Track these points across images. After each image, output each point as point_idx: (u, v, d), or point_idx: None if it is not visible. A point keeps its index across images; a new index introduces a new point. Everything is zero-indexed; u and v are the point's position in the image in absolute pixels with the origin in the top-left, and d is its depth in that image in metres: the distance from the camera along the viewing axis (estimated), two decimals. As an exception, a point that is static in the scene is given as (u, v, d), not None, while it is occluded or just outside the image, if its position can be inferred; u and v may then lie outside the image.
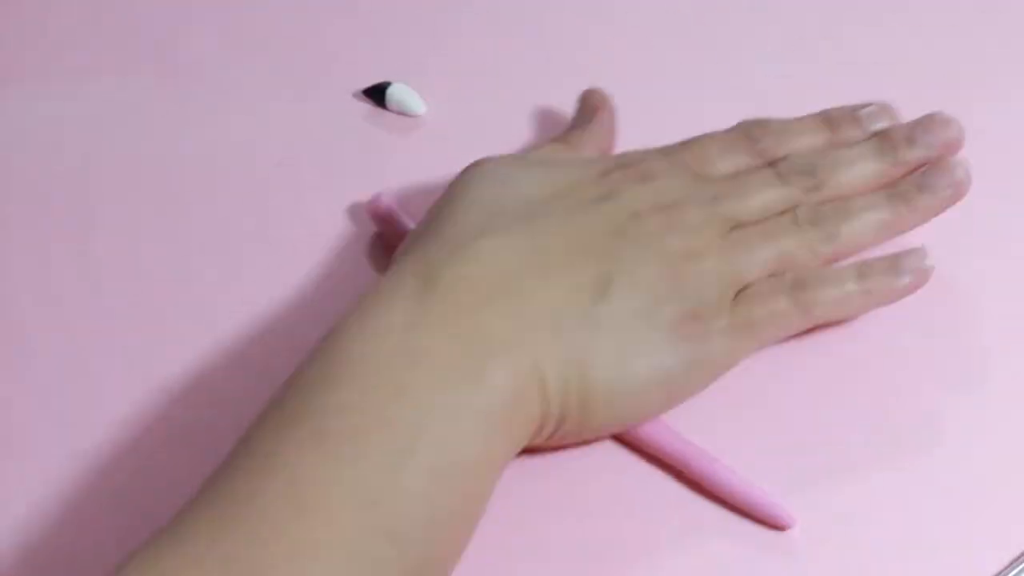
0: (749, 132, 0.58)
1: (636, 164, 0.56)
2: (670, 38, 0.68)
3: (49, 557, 0.54)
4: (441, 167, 0.63)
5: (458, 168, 0.63)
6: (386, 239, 0.61)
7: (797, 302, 0.54)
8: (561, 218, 0.54)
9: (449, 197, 0.56)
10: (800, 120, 0.59)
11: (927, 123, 0.57)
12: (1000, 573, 0.52)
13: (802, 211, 0.56)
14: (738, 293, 0.54)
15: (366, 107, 0.66)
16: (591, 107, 0.62)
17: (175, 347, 0.59)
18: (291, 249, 0.61)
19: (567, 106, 0.65)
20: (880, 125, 0.58)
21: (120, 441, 0.56)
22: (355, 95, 0.67)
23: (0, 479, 0.56)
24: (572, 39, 0.68)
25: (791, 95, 0.64)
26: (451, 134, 0.65)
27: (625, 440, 0.55)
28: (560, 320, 0.51)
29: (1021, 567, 0.52)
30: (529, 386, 0.50)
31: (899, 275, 0.55)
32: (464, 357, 0.49)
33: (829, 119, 0.59)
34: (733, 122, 0.62)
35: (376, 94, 0.66)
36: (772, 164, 0.57)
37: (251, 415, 0.57)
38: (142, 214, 0.63)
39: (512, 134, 0.65)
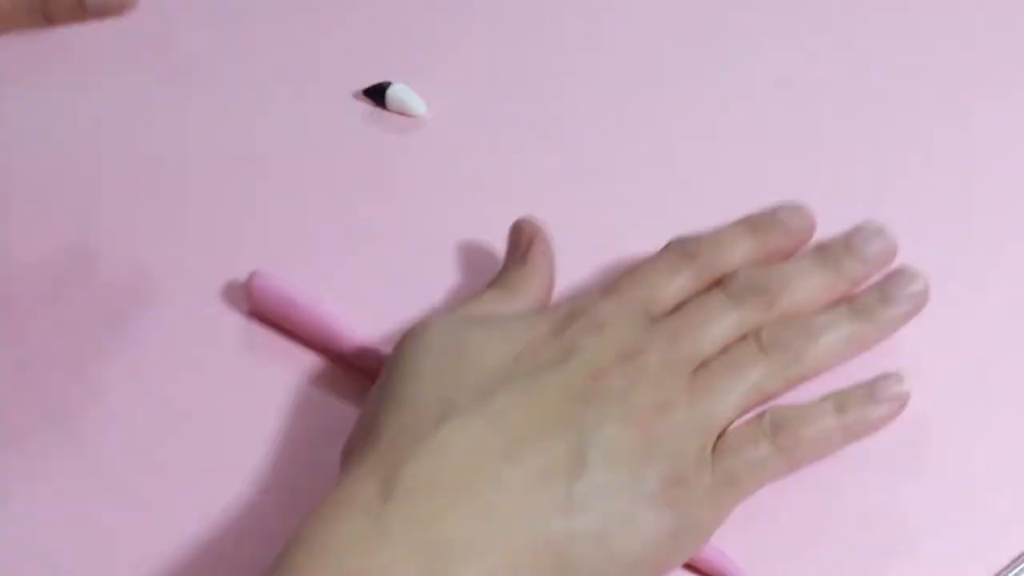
0: (684, 249, 0.56)
1: (586, 313, 0.53)
2: (670, 38, 0.68)
3: (53, 561, 0.54)
4: (441, 167, 0.64)
5: (458, 168, 0.63)
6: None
7: (779, 447, 0.52)
8: (521, 390, 0.50)
9: (398, 372, 0.52)
10: (727, 229, 0.57)
11: (862, 233, 0.56)
12: (1000, 573, 0.52)
13: (764, 335, 0.54)
14: (716, 440, 0.52)
15: (366, 107, 0.66)
16: (525, 240, 0.58)
17: (175, 347, 0.59)
18: (291, 249, 0.61)
19: (567, 106, 0.65)
20: (796, 224, 0.57)
21: (120, 441, 0.56)
22: (355, 95, 0.67)
23: None
24: (572, 39, 0.68)
25: (791, 95, 0.64)
26: (451, 134, 0.65)
27: None
28: (535, 511, 0.48)
29: (1021, 567, 0.52)
30: None
31: (877, 404, 0.53)
32: (431, 571, 0.46)
33: (752, 225, 0.57)
34: (733, 123, 0.62)
35: (376, 94, 0.66)
36: (719, 284, 0.55)
37: (256, 412, 0.57)
38: (142, 214, 0.63)
39: (512, 134, 0.65)
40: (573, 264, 0.60)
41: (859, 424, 0.53)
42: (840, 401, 0.53)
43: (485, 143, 0.64)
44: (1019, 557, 0.53)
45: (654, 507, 0.49)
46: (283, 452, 0.55)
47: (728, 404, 0.52)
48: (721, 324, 0.54)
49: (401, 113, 0.66)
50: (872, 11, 0.69)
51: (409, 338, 0.53)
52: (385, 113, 0.66)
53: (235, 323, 0.59)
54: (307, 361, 0.58)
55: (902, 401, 0.54)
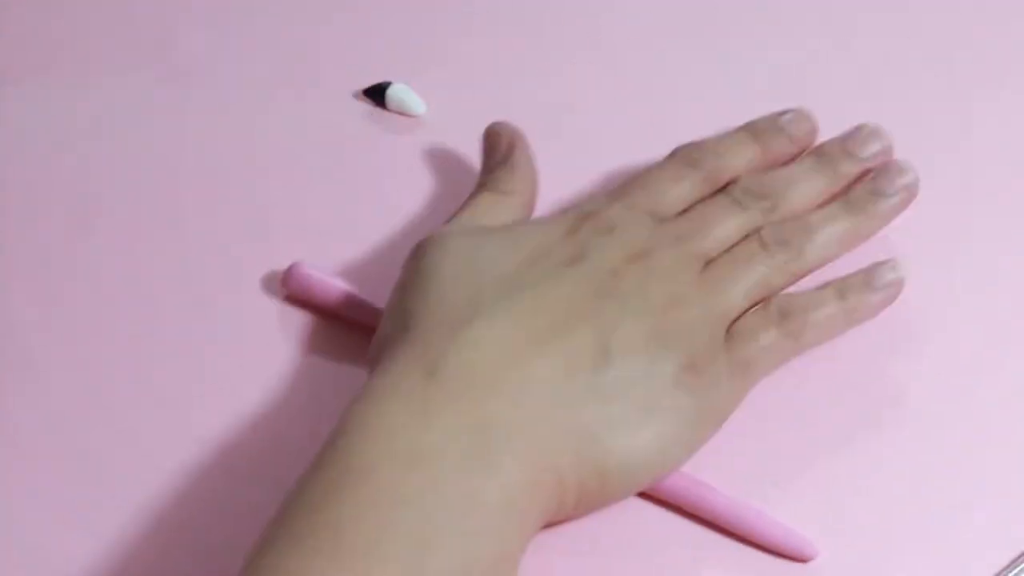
0: (689, 157, 0.59)
1: (595, 216, 0.56)
2: (670, 38, 0.68)
3: (54, 561, 0.54)
4: (441, 167, 0.63)
5: (458, 167, 0.63)
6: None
7: (787, 332, 0.55)
8: (541, 288, 0.53)
9: (417, 278, 0.55)
10: (730, 136, 0.60)
11: (859, 136, 0.59)
12: (1000, 573, 0.52)
13: (766, 233, 0.56)
14: (728, 330, 0.55)
15: (366, 107, 0.66)
16: (505, 143, 0.61)
17: (175, 347, 0.59)
18: (291, 249, 0.61)
19: (567, 106, 0.65)
20: (801, 130, 0.60)
21: (120, 441, 0.56)
22: (355, 95, 0.66)
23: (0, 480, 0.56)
24: (572, 39, 0.68)
25: (791, 96, 0.64)
26: (451, 134, 0.65)
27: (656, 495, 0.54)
28: (565, 397, 0.51)
29: (1021, 567, 0.52)
30: (542, 473, 0.50)
31: (874, 290, 0.56)
32: (475, 452, 0.49)
33: (755, 131, 0.60)
34: (733, 122, 0.62)
35: (376, 94, 0.66)
36: (723, 190, 0.58)
37: (255, 412, 0.57)
38: (142, 214, 0.63)
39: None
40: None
41: (860, 308, 0.56)
42: (840, 288, 0.56)
43: (485, 143, 0.64)
44: (1019, 557, 0.53)
45: (674, 392, 0.53)
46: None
47: (736, 296, 0.55)
48: (725, 226, 0.57)
49: (401, 113, 0.66)
50: (872, 11, 0.69)
51: (425, 248, 0.56)
52: (385, 113, 0.66)
53: (234, 328, 0.59)
54: (345, 339, 0.59)
55: (897, 287, 0.57)
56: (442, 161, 0.64)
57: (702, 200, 0.58)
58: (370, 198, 0.63)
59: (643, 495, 0.54)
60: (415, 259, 0.56)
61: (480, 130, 0.64)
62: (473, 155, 0.64)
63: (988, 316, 0.59)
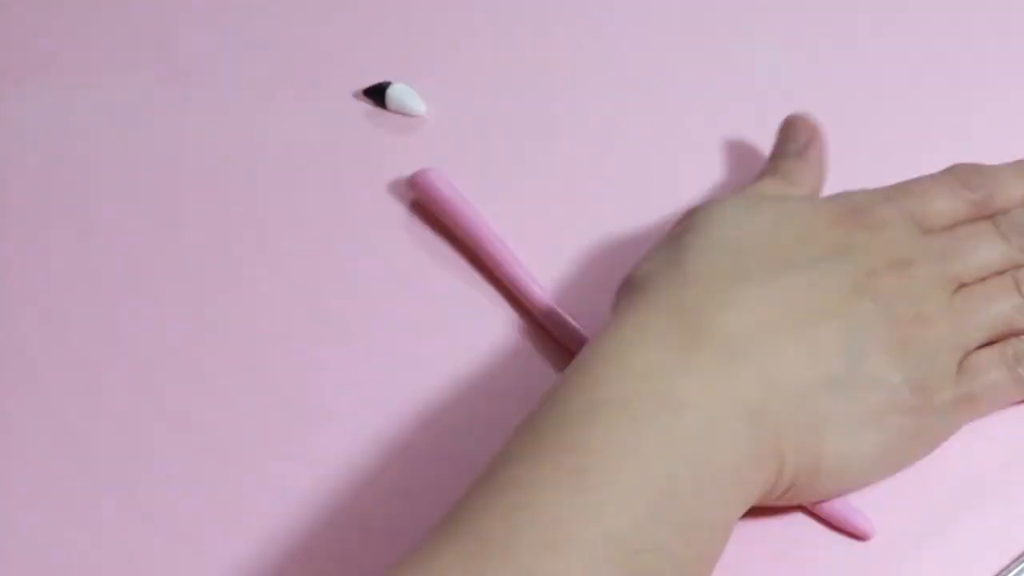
0: (965, 179, 0.58)
1: (867, 212, 0.56)
2: (670, 37, 0.68)
3: (55, 562, 0.54)
4: (441, 167, 0.63)
5: (458, 168, 0.63)
6: (424, 211, 0.62)
7: (1018, 378, 0.55)
8: (804, 272, 0.53)
9: (693, 231, 0.55)
10: (1011, 167, 0.59)
11: None
12: (1000, 573, 0.52)
13: (1023, 275, 0.56)
14: (961, 362, 0.55)
15: (366, 107, 0.66)
16: (804, 138, 0.61)
17: (175, 347, 0.59)
18: (291, 249, 0.61)
19: (567, 106, 0.65)
20: None
21: (120, 441, 0.56)
22: (355, 95, 0.66)
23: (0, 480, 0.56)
24: (572, 39, 0.68)
25: (791, 96, 0.64)
26: (451, 134, 0.65)
27: None
28: (804, 386, 0.51)
29: (1021, 567, 0.52)
30: (768, 452, 0.50)
31: None
32: (719, 418, 0.49)
33: None
34: (735, 123, 0.62)
35: (376, 94, 0.66)
36: (990, 218, 0.57)
37: (254, 412, 0.57)
38: (142, 214, 0.63)
39: (512, 134, 0.65)
40: (570, 260, 0.60)
41: None
42: None
43: (485, 143, 0.64)
44: (1019, 557, 0.53)
45: (900, 408, 0.52)
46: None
47: (979, 329, 0.55)
48: (987, 253, 0.56)
49: (401, 113, 0.66)
50: (873, 11, 0.69)
51: (704, 209, 0.56)
52: (385, 113, 0.66)
53: (234, 328, 0.59)
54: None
55: None
56: (442, 161, 0.64)
57: (967, 222, 0.57)
58: (369, 198, 0.63)
59: None
60: (690, 215, 0.56)
61: (480, 130, 0.64)
62: (474, 155, 0.64)
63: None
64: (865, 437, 0.52)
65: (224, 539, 0.54)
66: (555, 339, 0.58)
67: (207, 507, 0.55)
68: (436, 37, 0.68)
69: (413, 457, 0.55)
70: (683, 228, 0.56)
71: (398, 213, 0.62)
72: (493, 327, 0.59)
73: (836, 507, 0.53)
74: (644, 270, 0.54)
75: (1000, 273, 0.56)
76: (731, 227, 0.55)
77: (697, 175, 0.63)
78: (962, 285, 0.56)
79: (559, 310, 0.58)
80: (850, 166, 0.62)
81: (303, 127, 0.65)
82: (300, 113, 0.66)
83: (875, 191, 0.57)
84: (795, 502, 0.53)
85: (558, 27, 0.69)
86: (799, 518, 0.54)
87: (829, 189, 0.60)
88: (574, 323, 0.58)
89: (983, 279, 0.56)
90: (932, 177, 0.58)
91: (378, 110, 0.66)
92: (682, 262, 0.53)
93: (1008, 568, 0.52)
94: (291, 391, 0.58)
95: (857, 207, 0.56)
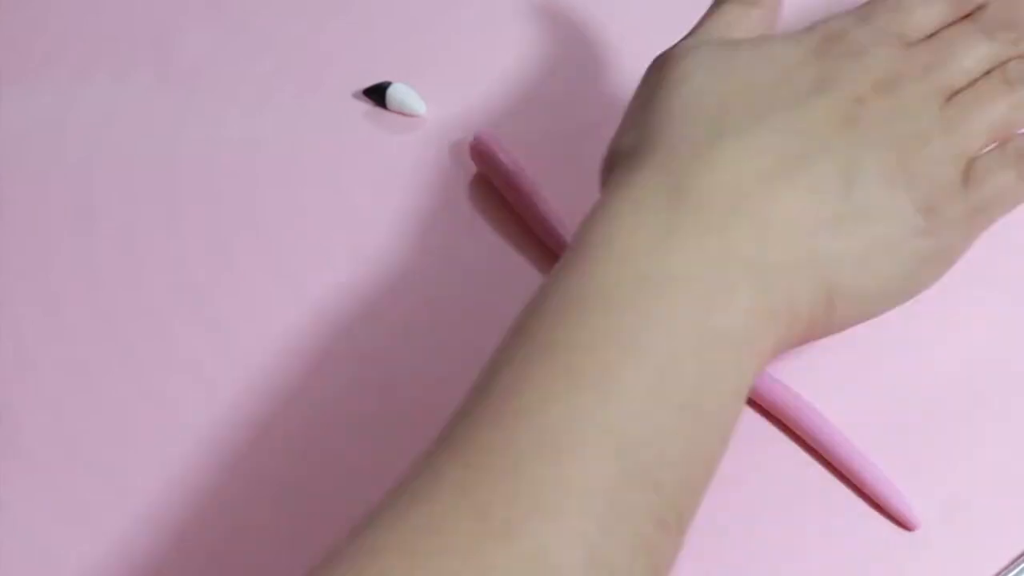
0: None
1: (843, 37, 0.54)
2: (671, 37, 0.68)
3: (55, 560, 0.54)
4: (441, 167, 0.63)
5: (459, 167, 0.63)
6: (488, 179, 0.62)
7: (1022, 174, 0.54)
8: (789, 112, 0.52)
9: (660, 90, 0.53)
10: None
11: None
12: (1000, 573, 0.52)
13: (1012, 69, 0.55)
14: (965, 170, 0.54)
15: (366, 107, 0.66)
16: None
17: (175, 347, 0.59)
18: (291, 249, 0.61)
19: (567, 106, 0.65)
20: None
21: (120, 439, 0.56)
22: (355, 95, 0.67)
23: (0, 480, 0.56)
24: (572, 39, 0.68)
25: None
26: (451, 134, 0.65)
27: (774, 417, 0.55)
28: (805, 227, 0.50)
29: (1021, 567, 0.52)
30: (777, 302, 0.49)
31: None
32: (714, 281, 0.48)
33: None
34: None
35: (376, 94, 0.66)
36: (970, 16, 0.56)
37: (253, 412, 0.57)
38: (142, 214, 0.63)
39: (512, 134, 0.65)
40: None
41: None
42: None
43: (485, 143, 0.64)
44: (1019, 557, 0.53)
45: (911, 232, 0.51)
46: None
47: (977, 135, 0.54)
48: (972, 56, 0.55)
49: (401, 113, 0.66)
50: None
51: (669, 59, 0.54)
52: (385, 113, 0.66)
53: (234, 327, 0.59)
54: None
55: None
56: (442, 161, 0.64)
57: (948, 26, 0.56)
58: (370, 198, 0.63)
59: (768, 415, 0.55)
60: (657, 70, 0.54)
61: (480, 130, 0.64)
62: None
63: (990, 321, 0.59)
64: (879, 268, 0.51)
65: (224, 540, 0.54)
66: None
67: (208, 507, 0.55)
68: (436, 37, 0.68)
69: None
70: (654, 86, 0.54)
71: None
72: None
73: (889, 492, 0.54)
74: (621, 142, 0.53)
75: (990, 72, 0.55)
76: (703, 79, 0.53)
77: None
78: (954, 93, 0.55)
79: None
80: None
81: (303, 127, 0.65)
82: (300, 113, 0.66)
83: (849, 14, 0.56)
84: (818, 337, 0.52)
85: (558, 27, 0.69)
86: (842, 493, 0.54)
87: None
88: None
89: (974, 82, 0.55)
90: None
91: (378, 110, 0.66)
92: (660, 126, 0.52)
93: (1008, 568, 0.52)
94: (294, 389, 0.58)
95: (833, 34, 0.55)
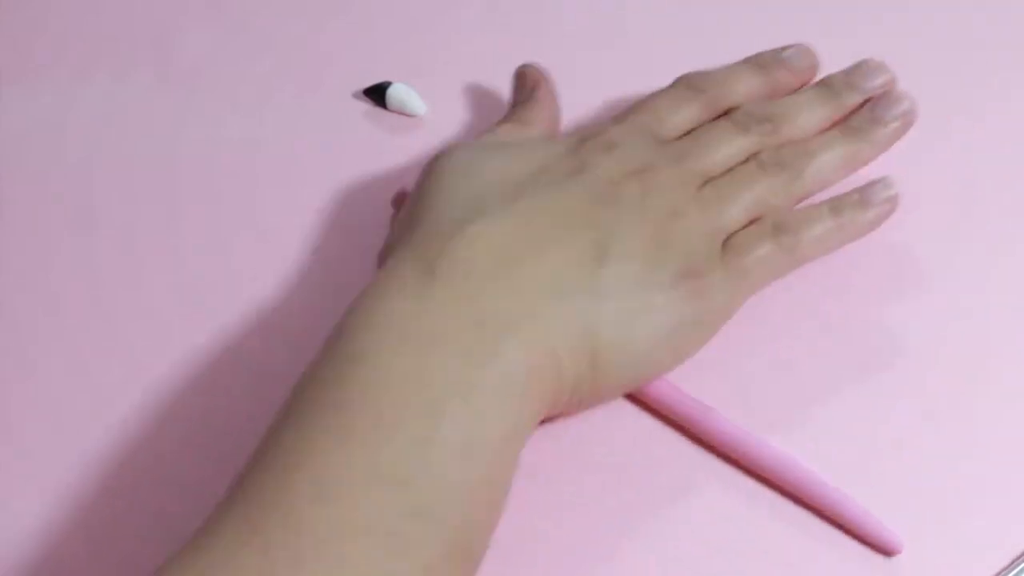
0: (692, 83, 0.60)
1: (598, 136, 0.57)
2: (671, 39, 0.68)
3: (57, 561, 0.54)
4: (441, 167, 0.63)
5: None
6: None
7: (781, 245, 0.56)
8: (542, 195, 0.55)
9: (425, 189, 0.56)
10: (734, 66, 0.61)
11: (863, 69, 0.60)
12: (1000, 573, 0.52)
13: (766, 156, 0.58)
14: (724, 244, 0.56)
15: (366, 107, 0.66)
16: (531, 82, 0.63)
17: (175, 346, 0.59)
18: (291, 249, 0.61)
19: (567, 106, 0.65)
20: (803, 64, 0.61)
21: (120, 439, 0.56)
22: (355, 95, 0.67)
23: (1, 480, 0.56)
24: (572, 39, 0.68)
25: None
26: (451, 134, 0.65)
27: (752, 471, 0.55)
28: (563, 291, 0.52)
29: (1021, 567, 0.52)
30: (542, 358, 0.51)
31: (868, 207, 0.57)
32: (475, 337, 0.50)
33: (758, 63, 0.61)
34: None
35: (376, 94, 0.66)
36: (725, 115, 0.59)
37: (254, 411, 0.57)
38: (142, 214, 0.63)
39: (512, 134, 0.65)
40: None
41: (853, 225, 0.57)
42: (835, 205, 0.58)
43: (485, 143, 0.64)
44: (1019, 557, 0.53)
45: (670, 297, 0.54)
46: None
47: (734, 211, 0.57)
48: (725, 149, 0.58)
49: (401, 113, 0.66)
50: (874, 11, 0.69)
51: (435, 161, 0.57)
52: (385, 113, 0.66)
53: (234, 327, 0.59)
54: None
55: (891, 204, 0.58)
56: (442, 161, 0.64)
57: (704, 125, 0.59)
58: (370, 198, 0.63)
59: (740, 466, 0.55)
60: (426, 169, 0.57)
61: (480, 130, 0.64)
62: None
63: (997, 316, 0.59)
64: (639, 330, 0.53)
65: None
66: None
67: (208, 508, 0.55)
68: (436, 37, 0.68)
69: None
70: (420, 182, 0.57)
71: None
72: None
73: (865, 520, 0.53)
74: (392, 235, 0.56)
75: (745, 161, 0.58)
76: (465, 175, 0.56)
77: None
78: (709, 179, 0.57)
79: None
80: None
81: (303, 127, 0.65)
82: (300, 113, 0.66)
83: (610, 118, 0.59)
84: (590, 405, 0.54)
85: (558, 27, 0.69)
86: (822, 529, 0.54)
87: (830, 191, 0.60)
88: None
89: (730, 170, 0.57)
90: (662, 90, 0.60)
91: (378, 110, 0.66)
92: (420, 216, 0.55)
93: (1008, 568, 0.52)
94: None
95: (589, 134, 0.57)
